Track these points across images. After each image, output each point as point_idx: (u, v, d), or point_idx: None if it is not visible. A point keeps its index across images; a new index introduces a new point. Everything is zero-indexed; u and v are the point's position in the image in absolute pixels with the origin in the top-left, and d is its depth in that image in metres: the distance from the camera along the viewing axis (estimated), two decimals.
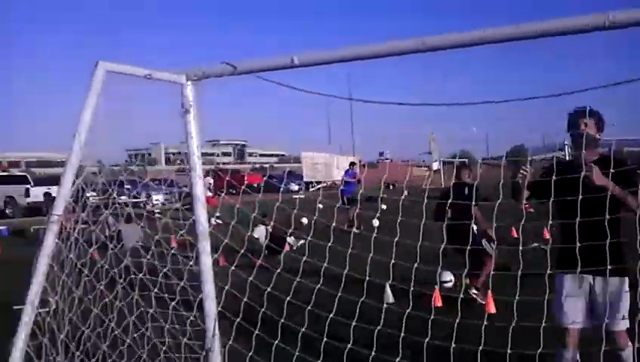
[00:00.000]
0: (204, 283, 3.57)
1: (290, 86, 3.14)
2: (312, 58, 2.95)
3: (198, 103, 3.43)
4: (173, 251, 4.02)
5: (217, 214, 17.27)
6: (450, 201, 7.15)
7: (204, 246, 3.69)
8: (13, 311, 7.39)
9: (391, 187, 47.95)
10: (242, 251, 4.19)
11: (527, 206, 3.87)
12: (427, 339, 3.07)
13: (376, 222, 14.58)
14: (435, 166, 52.25)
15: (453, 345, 3.09)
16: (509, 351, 2.93)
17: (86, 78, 3.06)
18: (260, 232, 10.91)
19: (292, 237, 10.59)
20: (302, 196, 37.95)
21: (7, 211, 23.88)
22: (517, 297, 3.01)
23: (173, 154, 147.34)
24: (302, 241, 10.59)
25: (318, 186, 45.85)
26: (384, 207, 21.70)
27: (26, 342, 2.87)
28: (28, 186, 24.09)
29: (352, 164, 17.84)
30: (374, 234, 3.66)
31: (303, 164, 46.16)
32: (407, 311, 3.29)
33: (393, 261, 3.50)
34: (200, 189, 3.77)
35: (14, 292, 8.42)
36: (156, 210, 23.39)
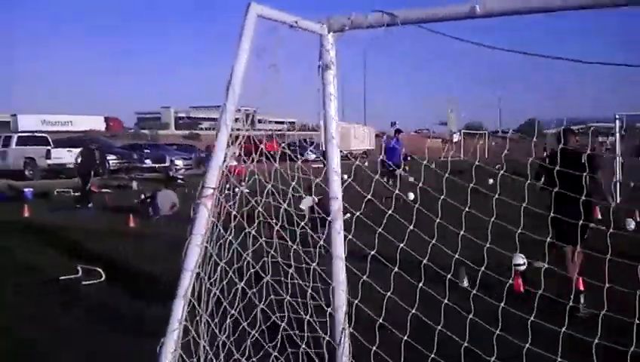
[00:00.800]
0: (335, 273, 3.19)
1: (477, 43, 2.69)
2: (501, 6, 2.50)
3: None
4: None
5: (243, 184, 16.90)
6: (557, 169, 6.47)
7: (337, 229, 3.30)
8: (59, 281, 7.20)
9: (408, 158, 47.59)
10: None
11: None
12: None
13: (411, 195, 14.26)
14: (456, 137, 51.60)
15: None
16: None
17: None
18: (307, 203, 10.51)
19: None
20: (320, 166, 37.52)
21: (26, 173, 23.56)
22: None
23: (182, 118, 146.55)
24: (347, 215, 10.23)
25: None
26: (412, 179, 21.32)
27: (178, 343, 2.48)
28: (49, 148, 23.76)
29: (398, 131, 17.04)
30: (437, 217, 3.12)
31: (320, 132, 45.60)
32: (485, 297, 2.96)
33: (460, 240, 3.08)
34: (336, 161, 3.38)
35: (49, 259, 8.22)
36: (179, 176, 23.18)
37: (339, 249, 3.28)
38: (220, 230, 2.86)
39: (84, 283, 6.71)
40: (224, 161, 2.61)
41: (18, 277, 7.22)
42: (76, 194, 16.99)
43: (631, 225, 9.49)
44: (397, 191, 3.62)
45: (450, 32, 2.64)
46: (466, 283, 6.44)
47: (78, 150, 24.84)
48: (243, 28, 2.61)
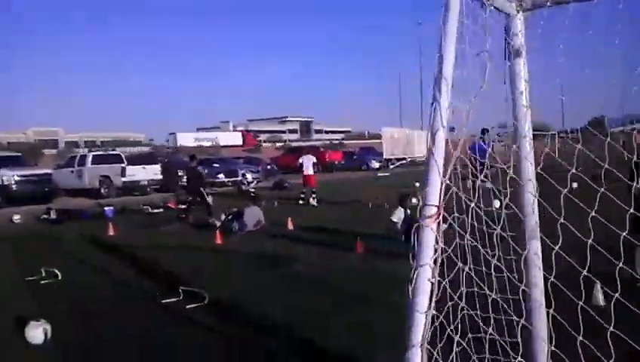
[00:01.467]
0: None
1: None
2: None
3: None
4: None
5: (314, 194, 16.35)
6: None
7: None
8: (161, 304, 7.02)
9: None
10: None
11: None
12: None
13: (496, 203, 13.55)
14: None
15: None
16: None
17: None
18: (400, 216, 10.04)
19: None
20: (387, 174, 37.19)
21: (102, 191, 24.06)
22: None
23: (241, 131, 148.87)
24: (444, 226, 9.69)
25: (398, 163, 44.82)
26: (489, 185, 20.48)
27: None
28: (123, 165, 24.19)
29: (485, 131, 15.26)
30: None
31: (383, 139, 45.00)
32: None
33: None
34: (530, 168, 2.89)
35: (145, 280, 8.05)
36: (251, 189, 23.15)
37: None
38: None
39: (188, 306, 6.46)
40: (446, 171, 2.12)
41: (118, 301, 7.06)
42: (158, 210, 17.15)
43: None
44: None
45: None
46: (602, 302, 5.84)
47: (151, 166, 25.53)
48: (447, 5, 2.14)
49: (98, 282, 8.08)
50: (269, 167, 35.56)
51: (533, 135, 3.02)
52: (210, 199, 19.84)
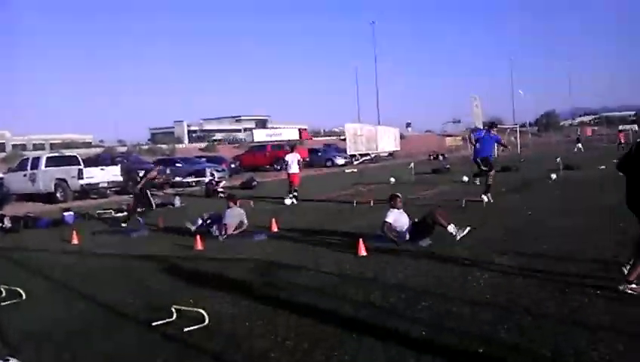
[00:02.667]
0: None
1: None
2: None
3: None
4: None
5: (295, 193, 15.48)
6: None
7: None
8: (152, 327, 5.99)
9: (440, 158, 46.28)
10: None
11: None
12: None
13: (485, 199, 13.06)
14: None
15: None
16: None
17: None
18: (394, 217, 9.20)
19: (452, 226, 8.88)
20: (354, 170, 36.49)
21: (58, 195, 22.47)
22: None
23: (194, 131, 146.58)
24: (468, 229, 8.95)
25: (363, 159, 44.22)
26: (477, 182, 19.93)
27: None
28: (80, 167, 22.65)
29: (493, 125, 14.59)
30: None
31: (346, 136, 44.29)
32: None
33: None
34: None
35: (126, 298, 6.98)
36: (219, 189, 22.00)
37: None
38: None
39: (185, 329, 5.44)
40: None
41: (98, 326, 5.96)
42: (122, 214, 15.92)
43: None
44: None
45: None
46: None
47: (109, 168, 24.04)
48: None
49: (70, 302, 6.91)
50: (232, 165, 34.37)
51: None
52: (177, 200, 18.71)
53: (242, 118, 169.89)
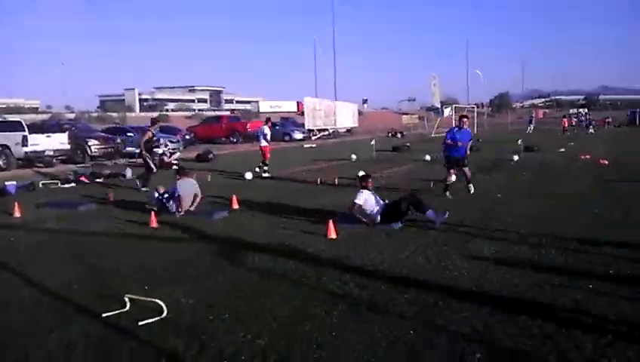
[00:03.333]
0: None
1: None
2: None
3: None
4: None
5: (265, 168, 14.82)
6: None
7: None
8: (102, 319, 5.31)
9: (398, 135, 46.05)
10: None
11: None
12: None
13: (452, 177, 12.64)
14: (447, 112, 50.13)
15: None
16: None
17: None
18: (364, 198, 8.70)
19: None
20: (313, 145, 35.86)
21: (0, 162, 21.08)
22: None
23: (146, 100, 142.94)
24: (446, 214, 8.51)
25: (321, 134, 43.59)
26: (427, 157, 19.60)
27: None
28: (25, 133, 21.25)
29: (464, 118, 12.59)
30: None
31: (305, 110, 43.50)
32: None
33: None
34: None
35: (74, 284, 6.24)
36: (173, 161, 21.02)
37: None
38: None
39: (141, 322, 4.79)
40: None
41: (39, 316, 5.23)
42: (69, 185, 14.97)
43: None
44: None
45: None
46: None
47: (57, 135, 22.68)
48: None
49: (8, 287, 6.15)
50: (187, 137, 33.21)
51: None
52: (129, 172, 17.72)
53: (196, 88, 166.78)
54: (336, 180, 13.94)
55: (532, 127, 48.50)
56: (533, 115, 57.28)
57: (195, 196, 10.39)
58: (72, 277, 6.35)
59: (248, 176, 16.04)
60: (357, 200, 8.58)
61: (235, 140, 37.32)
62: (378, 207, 8.62)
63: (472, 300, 5.12)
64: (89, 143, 23.68)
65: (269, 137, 17.82)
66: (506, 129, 52.13)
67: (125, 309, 5.05)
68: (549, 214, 9.27)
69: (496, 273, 5.97)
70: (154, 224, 9.13)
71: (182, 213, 9.95)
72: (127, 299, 5.13)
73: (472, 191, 11.53)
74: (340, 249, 7.23)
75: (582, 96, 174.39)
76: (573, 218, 8.83)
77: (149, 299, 5.10)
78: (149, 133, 14.66)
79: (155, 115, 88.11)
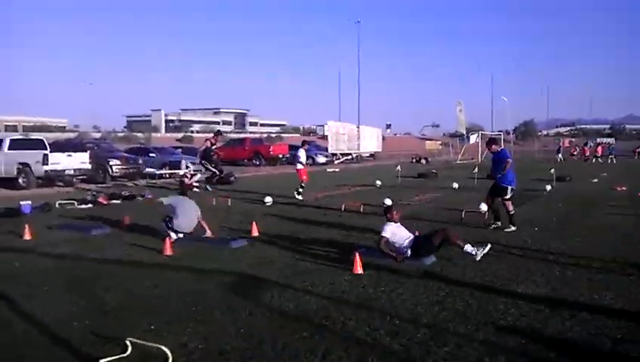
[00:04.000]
0: None
1: None
2: None
3: None
4: None
5: (300, 189, 14.15)
6: None
7: None
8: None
9: (423, 161, 45.21)
10: None
11: None
12: None
13: (484, 207, 11.81)
14: (473, 139, 49.32)
15: None
16: None
17: None
18: (392, 231, 8.03)
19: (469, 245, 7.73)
20: (337, 170, 35.25)
21: (20, 181, 20.78)
22: None
23: (172, 121, 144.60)
24: (488, 247, 7.79)
25: (344, 158, 43.04)
26: (456, 185, 18.89)
27: None
28: (46, 152, 21.01)
29: (493, 141, 11.82)
30: None
31: (328, 134, 43.10)
32: None
33: None
34: None
35: (71, 321, 5.60)
36: (195, 183, 20.57)
37: None
38: None
39: None
40: None
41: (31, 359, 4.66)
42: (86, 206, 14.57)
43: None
44: None
45: None
46: None
47: (77, 154, 22.42)
48: None
49: (4, 322, 5.59)
50: (218, 145, 32.91)
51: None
52: (148, 194, 17.28)
53: (221, 110, 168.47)
54: (361, 207, 13.25)
55: (560, 156, 47.41)
56: (561, 144, 56.25)
57: (196, 218, 9.81)
58: (74, 311, 5.77)
59: (268, 200, 15.45)
60: (384, 233, 7.91)
61: (257, 163, 36.94)
62: (408, 240, 7.93)
63: (525, 355, 4.42)
64: (110, 163, 23.38)
65: (303, 160, 17.62)
66: (533, 157, 50.93)
67: (126, 354, 4.45)
68: (595, 246, 8.49)
69: (553, 318, 5.26)
70: (167, 251, 8.57)
71: (179, 236, 9.38)
72: (128, 343, 4.53)
73: (513, 229, 10.49)
74: (367, 287, 6.57)
75: (607, 125, 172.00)
76: (618, 249, 8.04)
77: (152, 344, 4.50)
78: (208, 143, 15.20)
79: (179, 135, 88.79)
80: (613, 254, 8.17)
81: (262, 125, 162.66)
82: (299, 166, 17.41)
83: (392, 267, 7.47)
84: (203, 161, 13.97)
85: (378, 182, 21.41)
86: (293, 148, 43.26)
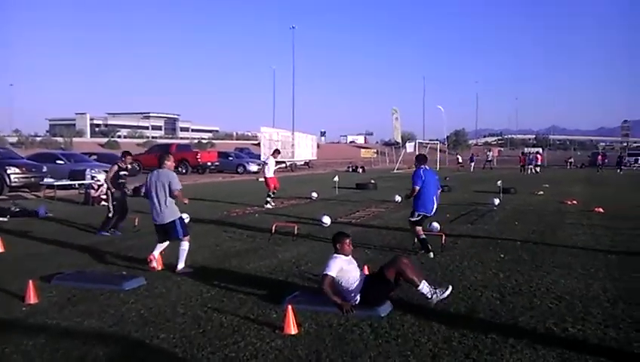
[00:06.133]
0: None
1: None
2: None
3: None
4: None
5: (269, 198, 11.88)
6: None
7: None
8: None
9: (360, 170, 43.67)
10: None
11: None
12: None
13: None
14: (410, 148, 48.31)
15: None
16: None
17: None
18: (339, 267, 6.12)
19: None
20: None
21: None
22: None
23: (98, 125, 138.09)
24: (449, 290, 5.98)
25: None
26: (398, 199, 17.27)
27: None
28: None
29: (416, 158, 9.97)
30: None
31: (261, 141, 40.94)
32: None
33: None
34: None
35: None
36: (102, 196, 17.83)
37: None
38: None
39: None
40: None
41: None
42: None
43: None
44: None
45: None
46: None
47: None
48: None
49: None
50: (129, 166, 30.02)
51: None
52: (43, 209, 14.68)
53: (151, 114, 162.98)
54: (295, 229, 11.14)
55: (491, 165, 47.16)
56: (491, 153, 56.51)
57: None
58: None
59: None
60: (329, 271, 5.99)
61: (184, 171, 34.34)
62: (357, 282, 6.04)
63: None
64: (8, 171, 20.37)
65: (272, 168, 17.11)
66: (466, 165, 50.51)
67: None
68: (579, 291, 6.88)
69: None
70: (32, 300, 6.30)
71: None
72: None
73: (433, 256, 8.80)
74: (302, 359, 4.60)
75: (532, 136, 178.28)
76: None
77: None
78: (116, 167, 11.73)
79: (104, 140, 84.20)
80: (614, 295, 6.57)
81: (194, 130, 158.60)
82: (267, 174, 16.83)
83: (338, 320, 5.55)
84: (112, 190, 11.20)
85: (314, 194, 19.57)
86: (224, 156, 41.05)
